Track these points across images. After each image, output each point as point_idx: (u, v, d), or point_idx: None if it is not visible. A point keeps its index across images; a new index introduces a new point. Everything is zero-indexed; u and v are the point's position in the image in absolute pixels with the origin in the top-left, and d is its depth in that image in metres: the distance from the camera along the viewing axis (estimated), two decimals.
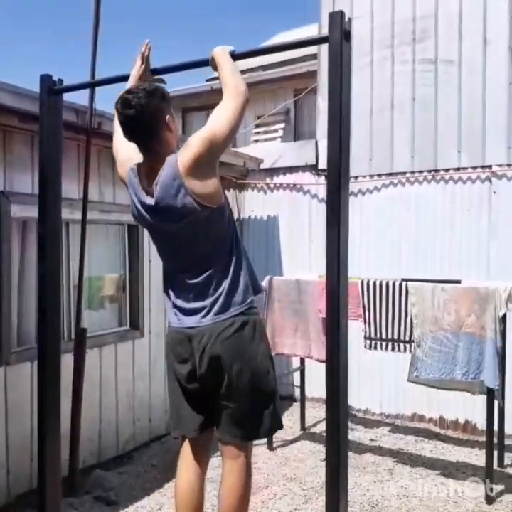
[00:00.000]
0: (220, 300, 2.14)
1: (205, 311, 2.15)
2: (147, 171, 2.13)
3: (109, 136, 3.93)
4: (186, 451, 2.36)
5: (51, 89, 2.61)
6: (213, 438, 2.37)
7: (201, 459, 2.36)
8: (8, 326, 3.57)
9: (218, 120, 2.07)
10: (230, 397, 2.17)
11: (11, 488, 3.56)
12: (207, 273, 2.13)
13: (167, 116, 2.10)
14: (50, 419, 2.72)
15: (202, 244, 2.13)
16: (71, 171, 3.82)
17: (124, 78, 2.58)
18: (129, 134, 2.12)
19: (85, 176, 3.67)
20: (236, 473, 2.24)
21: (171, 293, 2.26)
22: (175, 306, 2.24)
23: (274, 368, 2.28)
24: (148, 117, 2.04)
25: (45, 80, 2.60)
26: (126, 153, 2.28)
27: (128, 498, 3.75)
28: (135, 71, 2.47)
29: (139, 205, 2.16)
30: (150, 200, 2.10)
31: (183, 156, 2.02)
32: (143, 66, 2.46)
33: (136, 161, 2.21)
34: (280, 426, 2.32)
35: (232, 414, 2.19)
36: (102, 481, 3.85)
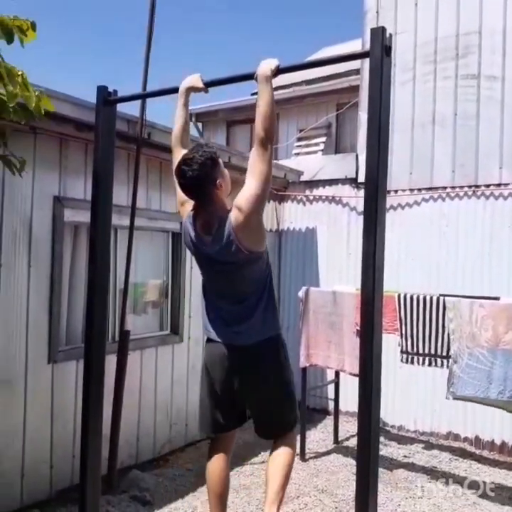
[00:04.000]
0: (254, 326, 2.56)
1: (240, 334, 2.57)
2: (202, 223, 2.53)
3: (158, 147, 4.14)
4: (216, 444, 2.79)
5: (106, 99, 2.73)
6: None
7: (227, 451, 2.78)
8: (57, 326, 3.72)
9: (256, 179, 2.38)
10: (264, 403, 2.67)
11: (53, 483, 3.68)
12: (243, 304, 2.57)
13: (218, 181, 2.46)
14: (93, 417, 2.80)
15: (242, 281, 2.56)
16: (121, 179, 3.96)
17: (174, 90, 2.71)
18: (187, 195, 2.53)
19: (134, 184, 3.80)
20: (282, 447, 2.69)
21: (211, 311, 2.67)
22: (214, 323, 2.65)
23: (292, 378, 2.75)
24: (200, 185, 2.43)
25: (102, 90, 2.73)
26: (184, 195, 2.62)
27: (162, 499, 3.83)
28: (189, 86, 2.66)
29: (193, 247, 2.61)
30: (207, 249, 2.52)
31: (235, 218, 2.40)
32: (197, 88, 2.67)
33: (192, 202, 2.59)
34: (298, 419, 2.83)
35: (268, 416, 2.71)
36: (138, 481, 3.95)
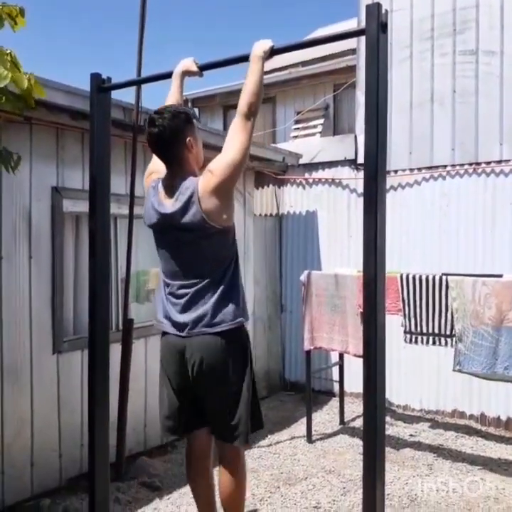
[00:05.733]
0: (209, 313, 2.30)
1: (194, 323, 2.32)
2: (167, 185, 2.37)
3: None
4: (188, 452, 2.61)
5: (100, 87, 2.69)
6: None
7: (205, 457, 2.57)
8: (60, 316, 3.73)
9: (235, 146, 2.26)
10: (216, 404, 2.40)
11: (62, 471, 3.72)
12: (199, 285, 2.32)
13: (188, 139, 2.33)
14: (100, 406, 2.79)
15: (200, 256, 2.32)
16: (118, 167, 3.95)
17: (170, 75, 2.67)
18: (153, 150, 2.39)
19: (132, 172, 3.78)
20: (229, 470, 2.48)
21: (164, 295, 2.44)
22: (167, 309, 2.42)
23: (252, 377, 2.46)
24: (168, 137, 2.29)
25: (95, 78, 2.69)
26: (155, 163, 2.52)
27: (171, 484, 3.86)
28: (184, 70, 2.60)
29: (153, 213, 2.40)
30: (165, 210, 2.33)
31: (204, 181, 2.26)
32: (192, 71, 2.59)
33: (162, 173, 2.44)
34: (261, 426, 2.53)
35: (218, 421, 2.44)
36: (147, 467, 3.98)
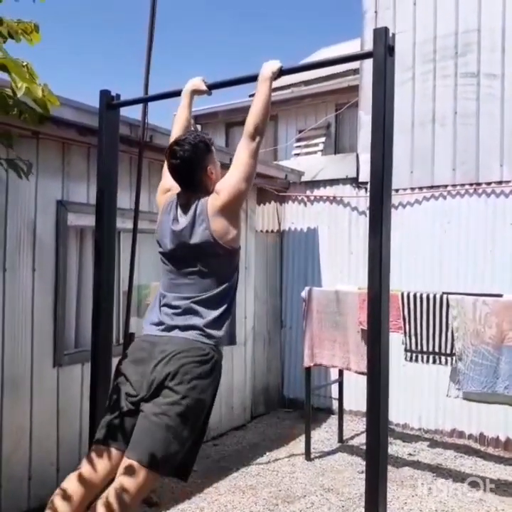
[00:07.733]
0: (200, 326, 2.23)
1: (183, 328, 2.24)
2: (183, 203, 2.40)
3: (160, 149, 4.14)
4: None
5: (109, 103, 2.74)
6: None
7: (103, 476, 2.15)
8: (62, 329, 3.73)
9: (240, 168, 2.31)
10: (159, 414, 2.08)
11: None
12: (197, 299, 2.27)
13: (208, 167, 2.36)
14: (100, 419, 2.81)
15: (203, 273, 2.30)
16: (123, 182, 3.96)
17: (177, 93, 2.72)
18: (175, 178, 2.41)
19: (137, 187, 3.81)
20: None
21: (159, 306, 2.39)
22: (157, 316, 2.35)
23: (208, 414, 2.25)
24: (190, 167, 2.33)
25: (105, 95, 2.74)
26: (169, 180, 2.52)
27: (169, 501, 3.83)
28: (193, 88, 2.66)
29: (166, 229, 2.41)
30: (177, 227, 2.35)
31: (212, 201, 2.30)
32: (201, 90, 2.66)
33: (176, 190, 2.47)
34: (187, 474, 2.22)
35: (144, 432, 2.09)
36: None
